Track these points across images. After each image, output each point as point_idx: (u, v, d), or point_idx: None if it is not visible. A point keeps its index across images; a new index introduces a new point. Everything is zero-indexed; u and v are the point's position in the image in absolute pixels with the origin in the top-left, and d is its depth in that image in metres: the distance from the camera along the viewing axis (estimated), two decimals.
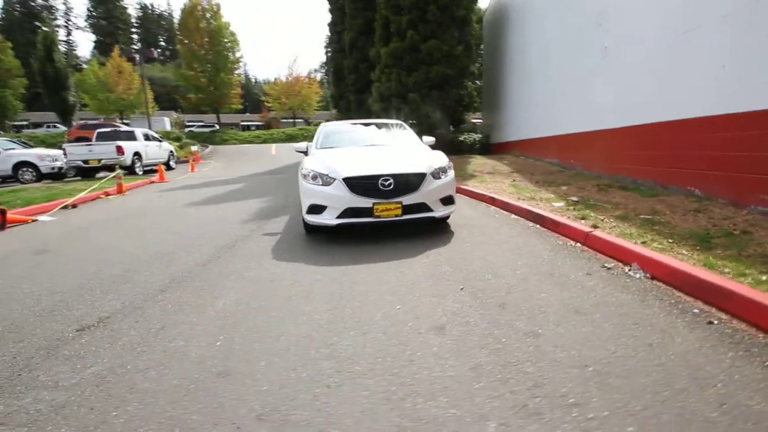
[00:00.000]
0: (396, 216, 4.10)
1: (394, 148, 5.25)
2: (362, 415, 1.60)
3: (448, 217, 4.57)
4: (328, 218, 4.17)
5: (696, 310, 2.32)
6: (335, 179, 4.12)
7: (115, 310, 2.83)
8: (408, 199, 4.10)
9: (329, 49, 20.37)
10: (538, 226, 4.55)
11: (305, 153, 5.51)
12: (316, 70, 46.89)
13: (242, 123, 47.16)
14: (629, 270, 2.92)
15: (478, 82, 15.24)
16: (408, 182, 4.12)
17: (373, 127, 6.14)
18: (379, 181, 4.05)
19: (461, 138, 15.70)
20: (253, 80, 74.50)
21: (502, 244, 3.92)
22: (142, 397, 1.79)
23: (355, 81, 16.86)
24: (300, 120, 44.85)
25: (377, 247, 4.03)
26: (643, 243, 3.28)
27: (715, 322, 2.18)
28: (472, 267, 3.26)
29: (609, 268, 3.03)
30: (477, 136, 15.54)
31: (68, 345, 2.34)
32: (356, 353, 2.05)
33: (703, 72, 4.67)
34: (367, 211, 4.06)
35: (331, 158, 4.55)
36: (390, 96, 14.14)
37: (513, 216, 5.18)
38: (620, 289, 2.67)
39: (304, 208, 4.35)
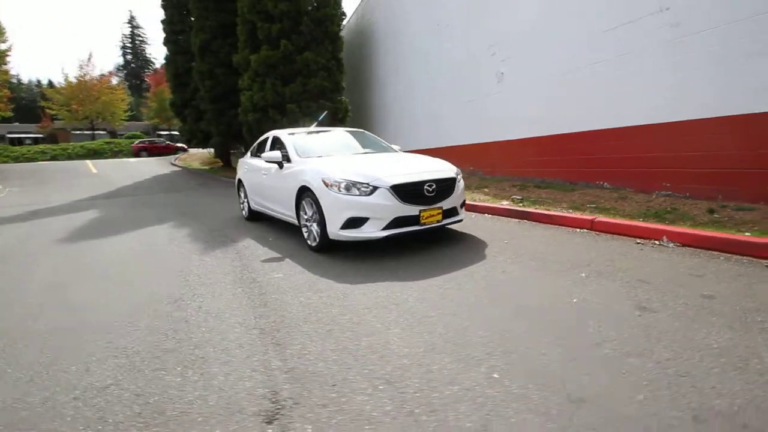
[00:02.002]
0: (437, 222, 4.10)
1: (394, 154, 5.22)
2: None
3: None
4: (371, 231, 3.84)
5: (746, 259, 3.24)
6: (378, 188, 3.84)
7: None
8: (446, 204, 4.17)
9: (168, 52, 17.36)
10: (524, 221, 5.25)
11: (280, 164, 4.88)
12: (111, 73, 38.90)
13: (9, 135, 35.40)
14: (660, 242, 3.78)
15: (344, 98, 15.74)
16: (446, 187, 4.19)
17: (341, 133, 5.84)
18: (425, 187, 3.99)
19: None
20: (27, 82, 56.83)
21: (524, 239, 4.39)
22: None
23: (211, 88, 15.08)
24: (102, 132, 36.66)
25: (415, 258, 3.95)
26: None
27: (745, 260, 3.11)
28: (556, 258, 3.61)
29: (642, 244, 3.85)
30: None
31: None
32: None
33: (599, 96, 6.26)
34: (414, 219, 3.94)
35: (354, 166, 4.19)
36: (266, 106, 13.27)
37: (488, 215, 5.77)
38: (679, 255, 3.44)
39: (336, 223, 3.89)
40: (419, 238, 4.43)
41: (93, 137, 34.12)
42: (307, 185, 4.23)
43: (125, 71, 56.18)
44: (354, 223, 3.86)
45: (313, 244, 4.32)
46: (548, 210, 5.27)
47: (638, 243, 3.89)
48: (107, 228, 6.39)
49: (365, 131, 6.22)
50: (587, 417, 1.57)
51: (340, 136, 5.71)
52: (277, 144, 5.56)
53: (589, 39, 6.30)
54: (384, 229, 3.85)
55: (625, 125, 5.93)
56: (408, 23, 11.80)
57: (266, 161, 5.02)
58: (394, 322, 2.49)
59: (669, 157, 5.40)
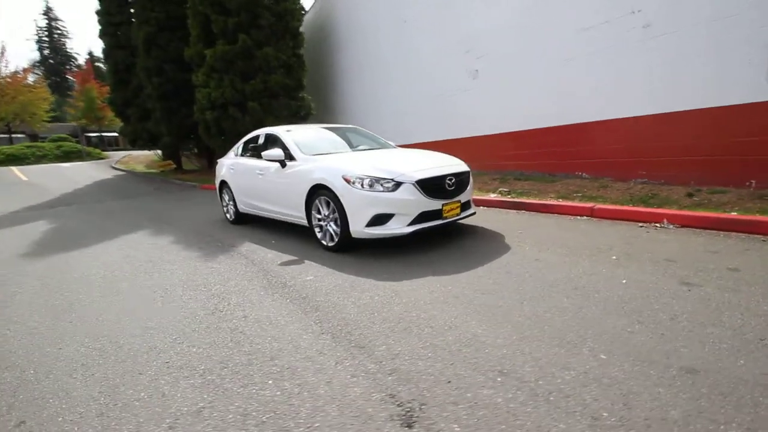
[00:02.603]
0: (456, 215, 4.15)
1: (397, 149, 5.23)
2: None
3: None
4: (397, 227, 3.80)
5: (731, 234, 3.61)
6: (403, 183, 3.80)
7: None
8: (462, 198, 4.23)
9: (105, 46, 15.78)
10: (522, 211, 5.46)
11: (282, 162, 4.68)
12: (27, 69, 34.78)
13: None
14: (662, 225, 4.10)
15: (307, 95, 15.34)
16: (463, 181, 4.24)
17: (337, 129, 5.69)
18: (446, 181, 4.02)
19: None
20: None
21: (535, 228, 4.57)
22: None
23: (160, 85, 14.03)
24: (20, 135, 32.70)
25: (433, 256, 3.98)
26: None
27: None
28: (575, 247, 3.79)
29: (645, 227, 4.16)
30: None
31: None
32: None
33: (576, 92, 6.66)
34: (437, 214, 3.95)
35: (371, 162, 4.11)
36: (225, 104, 12.61)
37: (483, 207, 5.93)
38: (684, 235, 3.75)
39: (361, 221, 3.80)
40: (429, 233, 4.45)
41: (11, 141, 30.30)
42: (324, 183, 4.08)
43: (42, 68, 50.44)
44: (380, 219, 3.80)
45: (330, 244, 4.18)
46: (543, 200, 5.53)
47: (641, 226, 4.20)
48: (74, 239, 5.73)
49: (358, 127, 6.12)
50: (711, 384, 1.68)
51: (335, 132, 5.56)
52: (271, 142, 5.30)
53: (565, 37, 6.67)
54: (410, 224, 3.83)
55: (601, 119, 6.36)
56: (373, 19, 11.75)
57: (267, 160, 4.77)
58: (467, 315, 2.48)
59: (643, 147, 5.88)
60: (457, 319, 2.44)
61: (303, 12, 13.52)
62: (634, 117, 5.91)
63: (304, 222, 4.55)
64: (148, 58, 13.98)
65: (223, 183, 6.30)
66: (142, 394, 1.91)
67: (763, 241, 3.43)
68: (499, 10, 7.74)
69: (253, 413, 1.71)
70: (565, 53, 6.72)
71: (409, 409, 1.67)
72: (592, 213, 4.76)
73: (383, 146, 5.41)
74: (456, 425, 1.56)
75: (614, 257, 3.32)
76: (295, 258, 4.08)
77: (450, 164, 4.32)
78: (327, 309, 2.76)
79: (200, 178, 14.38)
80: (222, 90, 12.50)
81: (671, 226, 4.06)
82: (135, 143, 16.52)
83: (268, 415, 1.69)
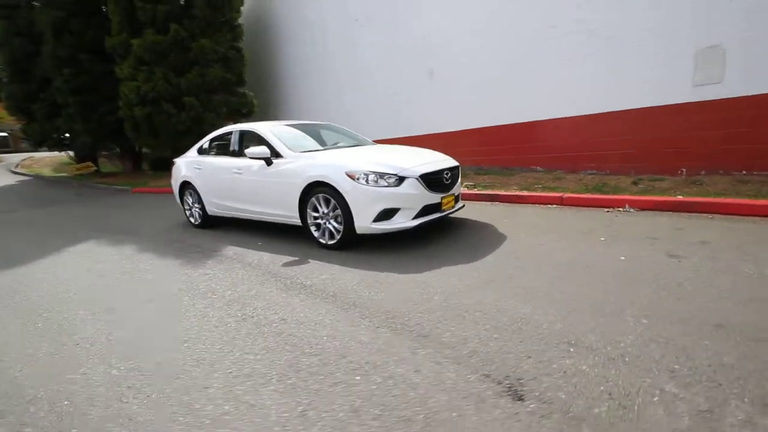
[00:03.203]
0: (451, 208, 4.33)
1: (382, 145, 5.30)
2: None
3: None
4: (402, 221, 3.88)
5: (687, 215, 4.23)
6: (407, 177, 3.88)
7: None
8: (455, 191, 4.42)
9: None
10: (496, 203, 5.82)
11: (267, 160, 4.51)
12: None
13: None
14: (624, 209, 4.67)
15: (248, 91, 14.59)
16: (455, 175, 4.43)
17: (313, 126, 5.55)
18: (443, 175, 4.17)
19: None
20: None
21: (519, 217, 4.93)
22: None
23: (74, 77, 12.43)
24: None
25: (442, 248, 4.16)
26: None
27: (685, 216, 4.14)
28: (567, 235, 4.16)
29: (611, 212, 4.69)
30: None
31: None
32: None
33: (530, 92, 7.24)
34: (437, 207, 4.10)
35: (369, 157, 4.12)
36: (157, 99, 11.57)
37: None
38: (643, 218, 4.31)
39: (367, 217, 3.82)
40: (419, 227, 4.58)
41: None
42: (323, 180, 4.00)
43: None
44: (386, 214, 3.84)
45: (331, 242, 4.12)
46: (513, 191, 5.96)
47: (608, 212, 4.74)
48: (6, 256, 4.93)
49: (331, 123, 6.04)
50: (739, 334, 2.01)
51: (311, 129, 5.44)
52: (250, 140, 5.04)
53: (521, 40, 7.20)
54: (415, 218, 3.92)
55: (553, 117, 7.00)
56: (319, 15, 11.54)
57: (251, 157, 4.53)
58: (508, 298, 2.65)
59: (590, 142, 6.60)
60: (501, 303, 2.59)
61: (242, 2, 12.79)
62: (583, 115, 6.60)
63: (296, 221, 4.41)
64: (58, 46, 12.28)
65: (186, 184, 5.83)
66: (226, 407, 1.78)
67: (710, 218, 4.09)
68: (457, 13, 8.10)
69: (363, 408, 1.70)
70: (519, 55, 7.26)
71: (509, 385, 1.78)
72: (561, 201, 5.25)
73: (362, 143, 5.42)
74: (561, 393, 1.70)
75: (602, 238, 3.73)
76: (295, 258, 3.96)
77: (442, 159, 4.48)
78: (365, 304, 2.75)
79: (128, 181, 13.03)
80: (153, 83, 11.45)
81: (632, 210, 4.65)
82: (42, 144, 14.37)
83: (379, 408, 1.69)
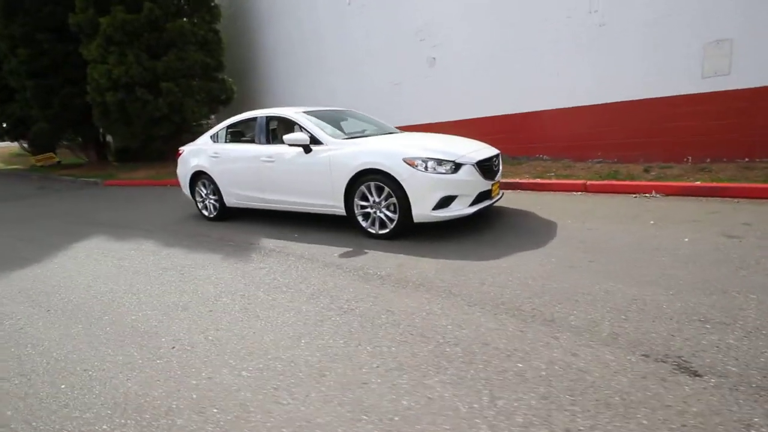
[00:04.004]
0: (497, 195, 4.36)
1: (415, 133, 5.22)
2: None
3: None
4: (460, 208, 3.86)
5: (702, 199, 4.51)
6: (464, 164, 3.85)
7: None
8: (499, 178, 4.44)
9: None
10: (518, 191, 5.93)
11: (306, 147, 4.31)
12: None
13: None
14: (652, 195, 4.90)
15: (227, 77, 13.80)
16: (499, 162, 4.44)
17: (337, 114, 5.35)
18: (493, 162, 4.18)
19: None
20: None
21: (551, 205, 5.04)
22: None
23: (31, 58, 11.23)
24: None
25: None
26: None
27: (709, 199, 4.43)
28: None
29: (639, 198, 4.91)
30: None
31: None
32: None
33: (537, 81, 7.39)
34: (488, 194, 4.11)
35: (422, 143, 4.05)
36: (131, 83, 10.73)
37: None
38: (672, 202, 4.54)
39: (427, 205, 3.76)
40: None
41: None
42: (377, 167, 3.87)
43: None
44: (445, 202, 3.79)
45: (382, 232, 4.02)
46: (531, 180, 6.09)
47: (635, 197, 4.96)
48: (9, 254, 4.41)
49: (352, 110, 5.85)
50: None
51: (337, 115, 5.26)
52: (277, 126, 4.79)
53: (527, 29, 7.31)
54: (471, 205, 3.91)
55: (561, 107, 7.20)
56: None
57: (289, 144, 4.30)
58: (605, 280, 2.70)
59: (598, 132, 6.86)
60: (601, 285, 2.64)
61: None
62: (591, 105, 6.83)
63: (339, 211, 4.26)
64: (10, 24, 11.01)
65: (198, 174, 5.46)
66: (403, 402, 1.68)
67: (737, 202, 4.38)
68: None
69: (551, 395, 1.67)
70: (525, 44, 7.37)
71: (676, 363, 1.81)
72: (585, 188, 5.44)
73: (389, 130, 5.31)
74: (731, 366, 1.76)
75: (651, 222, 3.91)
76: (349, 249, 3.83)
77: (485, 146, 4.49)
78: (463, 292, 2.70)
79: (94, 173, 12.07)
80: (126, 67, 10.61)
81: (658, 195, 4.90)
82: None
83: (567, 393, 1.67)
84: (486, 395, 1.69)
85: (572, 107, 7.04)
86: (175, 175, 6.06)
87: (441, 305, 2.54)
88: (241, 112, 5.50)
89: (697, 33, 5.68)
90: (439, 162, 3.78)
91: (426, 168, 3.75)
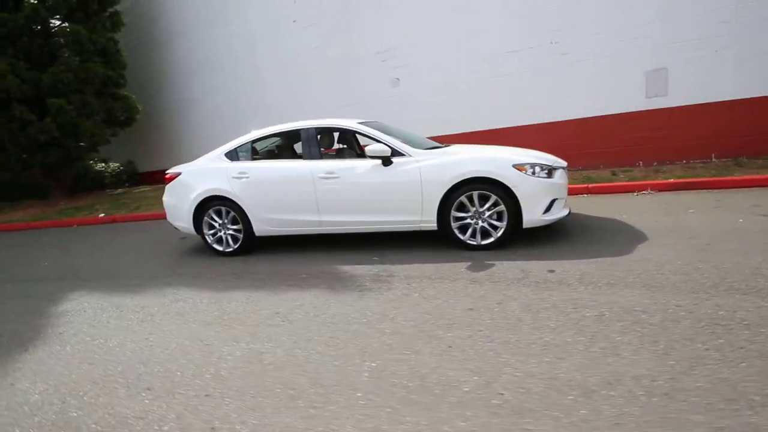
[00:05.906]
0: None
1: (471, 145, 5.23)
2: None
3: None
4: (559, 212, 3.95)
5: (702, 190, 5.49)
6: (557, 168, 3.96)
7: None
8: None
9: None
10: None
11: (386, 160, 3.95)
12: None
13: None
14: (648, 192, 5.74)
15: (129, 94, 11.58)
16: None
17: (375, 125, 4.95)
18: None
19: (100, 167, 11.62)
20: None
21: (576, 206, 5.49)
22: None
23: None
24: None
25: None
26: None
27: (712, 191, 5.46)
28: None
29: (637, 195, 5.70)
30: (115, 165, 12.08)
31: None
32: None
33: (511, 98, 8.10)
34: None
35: (506, 151, 4.07)
36: (5, 100, 8.23)
37: None
38: (673, 197, 5.36)
39: (538, 209, 3.76)
40: None
41: None
42: (485, 175, 3.70)
43: None
44: (552, 205, 3.83)
45: (484, 242, 3.82)
46: None
47: (636, 195, 5.77)
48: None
49: (378, 121, 5.48)
50: None
51: (384, 127, 4.90)
52: (331, 138, 4.23)
53: (492, 56, 7.99)
54: (564, 207, 4.03)
55: (540, 122, 7.93)
56: (241, 10, 10.19)
57: (370, 156, 3.83)
58: (699, 278, 3.01)
59: (580, 143, 7.74)
60: (709, 283, 2.80)
61: None
62: (573, 120, 7.66)
63: (429, 225, 3.93)
64: None
65: (211, 200, 4.43)
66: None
67: (737, 192, 5.42)
68: (418, 19, 8.42)
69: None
70: (496, 71, 8.04)
71: None
72: (588, 190, 6.11)
73: (433, 144, 5.09)
74: None
75: (691, 210, 4.57)
76: (468, 263, 3.54)
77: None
78: (662, 283, 2.74)
79: None
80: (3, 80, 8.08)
81: (652, 192, 5.79)
82: None
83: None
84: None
85: (537, 124, 7.90)
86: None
87: (673, 296, 2.53)
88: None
89: (640, 63, 7.04)
90: (542, 167, 3.83)
91: (534, 173, 3.75)
